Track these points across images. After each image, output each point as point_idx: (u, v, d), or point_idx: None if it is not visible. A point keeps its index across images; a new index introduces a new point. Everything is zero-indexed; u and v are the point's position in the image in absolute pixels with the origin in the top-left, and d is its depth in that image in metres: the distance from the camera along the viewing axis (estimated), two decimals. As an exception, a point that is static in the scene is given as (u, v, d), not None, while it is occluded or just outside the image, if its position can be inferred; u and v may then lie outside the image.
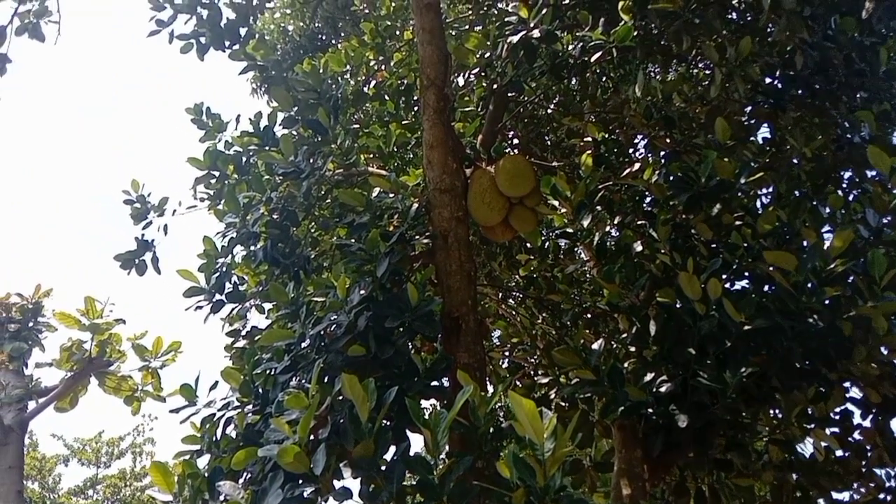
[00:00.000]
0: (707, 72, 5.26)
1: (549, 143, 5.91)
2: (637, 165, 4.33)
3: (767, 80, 4.67)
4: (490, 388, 3.91)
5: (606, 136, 4.83)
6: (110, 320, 8.26)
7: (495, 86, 4.58)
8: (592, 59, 3.91)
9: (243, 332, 5.55)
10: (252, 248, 4.62)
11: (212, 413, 3.82)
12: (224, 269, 4.81)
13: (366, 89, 5.81)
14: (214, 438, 3.69)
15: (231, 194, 4.73)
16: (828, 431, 4.36)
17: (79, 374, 8.24)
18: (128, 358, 8.51)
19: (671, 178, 4.07)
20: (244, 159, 5.20)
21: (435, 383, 3.50)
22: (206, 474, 3.27)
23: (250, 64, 5.71)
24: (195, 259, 4.81)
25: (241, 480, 3.29)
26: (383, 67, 5.81)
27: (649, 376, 3.86)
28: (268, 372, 3.71)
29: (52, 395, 8.28)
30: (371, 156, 5.47)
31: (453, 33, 5.46)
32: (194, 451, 3.76)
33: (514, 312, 6.09)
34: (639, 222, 4.32)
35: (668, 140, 4.49)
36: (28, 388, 8.19)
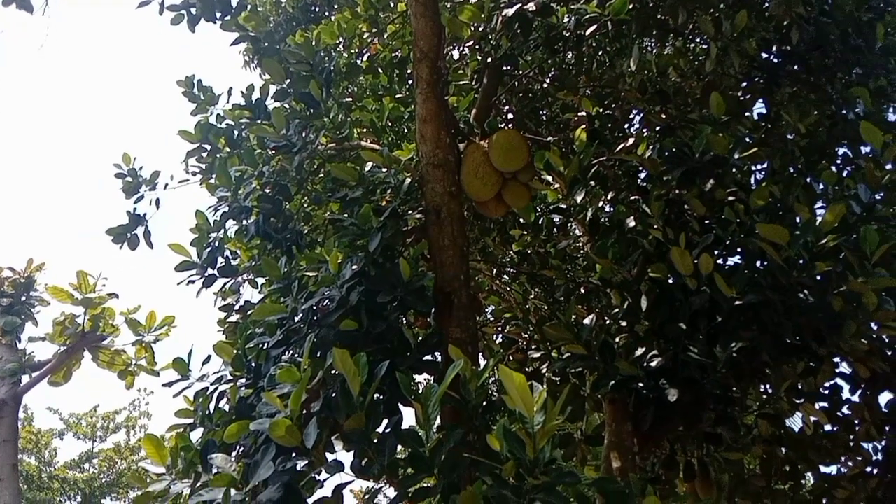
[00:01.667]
0: (703, 46, 5.22)
1: (543, 117, 5.87)
2: (631, 140, 4.31)
3: (763, 56, 4.64)
4: (482, 363, 3.93)
5: (601, 110, 4.80)
6: (103, 294, 8.24)
7: (490, 59, 4.54)
8: (587, 32, 3.87)
9: (236, 307, 5.56)
10: (244, 222, 4.60)
11: (205, 387, 3.83)
12: (216, 243, 4.79)
13: (359, 62, 5.75)
14: (207, 412, 3.71)
15: (223, 168, 4.70)
16: (817, 406, 4.41)
17: (72, 348, 8.23)
18: (121, 332, 8.51)
19: (665, 153, 4.06)
20: (236, 133, 5.16)
21: (427, 358, 3.51)
22: (199, 447, 3.29)
23: (242, 35, 5.66)
24: (187, 233, 4.79)
25: (233, 453, 3.31)
26: (376, 40, 5.75)
27: (640, 351, 3.88)
28: (260, 346, 3.72)
29: (46, 369, 8.28)
30: (364, 130, 5.43)
31: (448, 5, 5.39)
32: (187, 424, 3.77)
33: (507, 288, 6.09)
34: (632, 198, 4.31)
35: (662, 115, 4.47)
36: (21, 362, 8.19)
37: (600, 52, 5.44)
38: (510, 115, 5.81)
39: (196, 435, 3.64)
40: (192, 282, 4.73)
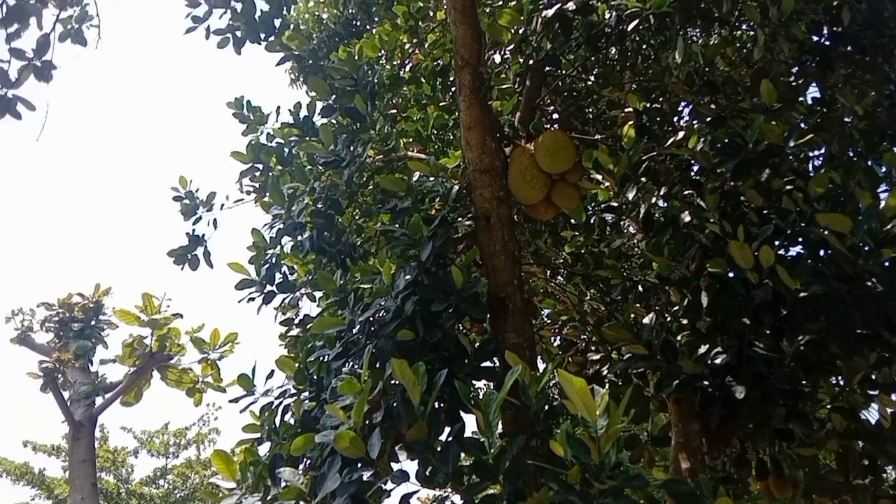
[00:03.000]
0: (750, 33, 5.09)
1: (589, 116, 5.81)
2: (681, 134, 4.23)
3: (814, 38, 4.50)
4: (541, 367, 3.90)
5: (648, 105, 4.72)
6: (168, 315, 8.51)
7: (531, 61, 4.52)
8: (629, 28, 3.82)
9: (296, 321, 5.65)
10: (299, 238, 4.69)
11: (270, 401, 3.91)
12: (273, 260, 4.89)
13: (401, 73, 5.80)
14: (274, 426, 3.78)
15: (275, 186, 4.80)
16: (893, 397, 4.24)
17: (141, 368, 8.52)
18: (187, 351, 8.78)
19: (717, 144, 3.97)
20: (286, 150, 5.26)
21: (485, 364, 3.50)
22: (267, 461, 3.35)
23: (287, 55, 5.78)
24: (244, 251, 4.90)
25: (301, 466, 3.36)
26: (418, 50, 5.79)
27: (703, 348, 3.80)
28: (321, 359, 3.77)
29: (118, 390, 8.59)
30: (410, 140, 5.47)
31: (487, 10, 5.40)
32: (255, 438, 3.85)
33: (562, 290, 6.04)
34: (686, 192, 4.22)
35: (712, 106, 4.37)
36: (94, 384, 8.51)
37: (644, 46, 5.36)
38: (555, 116, 5.77)
39: (264, 449, 3.72)
40: (253, 299, 4.84)
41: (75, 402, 8.51)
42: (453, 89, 5.36)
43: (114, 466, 16.28)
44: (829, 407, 4.38)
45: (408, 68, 5.86)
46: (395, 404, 3.12)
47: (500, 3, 5.51)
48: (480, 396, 2.73)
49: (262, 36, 5.71)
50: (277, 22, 5.72)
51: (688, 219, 4.08)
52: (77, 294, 9.43)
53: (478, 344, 3.58)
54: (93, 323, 9.15)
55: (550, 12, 3.93)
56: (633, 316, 4.23)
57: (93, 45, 5.55)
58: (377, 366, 3.33)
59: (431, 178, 4.18)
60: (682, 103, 5.16)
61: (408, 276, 3.55)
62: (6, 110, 5.01)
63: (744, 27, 5.22)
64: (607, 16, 3.93)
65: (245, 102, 5.60)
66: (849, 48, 4.42)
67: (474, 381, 3.51)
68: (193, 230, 5.48)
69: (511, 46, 4.86)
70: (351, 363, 3.64)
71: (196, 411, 17.76)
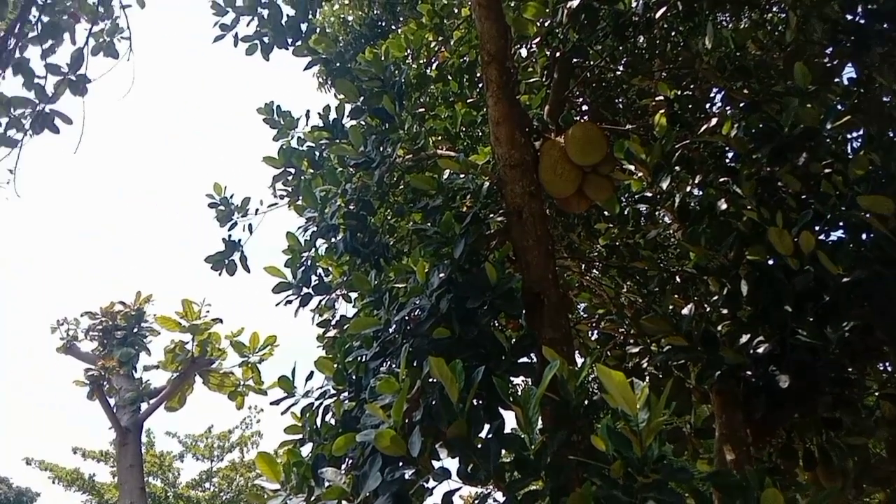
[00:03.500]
0: (781, 15, 4.98)
1: (619, 106, 5.75)
2: (714, 120, 4.15)
3: (848, 17, 4.38)
4: (579, 362, 3.88)
5: (679, 93, 4.65)
6: (208, 320, 8.65)
7: (558, 53, 4.48)
8: (657, 15, 3.76)
9: (333, 322, 5.70)
10: (333, 239, 4.73)
11: (310, 402, 3.94)
12: (309, 262, 4.95)
13: (428, 72, 5.80)
14: (315, 427, 3.81)
15: (307, 189, 4.84)
16: (944, 382, 4.12)
17: (184, 373, 8.68)
18: (228, 355, 8.91)
19: (752, 130, 3.89)
20: (317, 154, 5.31)
21: (522, 360, 3.49)
22: (310, 462, 3.39)
23: (314, 58, 5.83)
24: (279, 255, 4.96)
25: (343, 466, 3.39)
26: (443, 48, 5.79)
27: (745, 338, 3.73)
28: (359, 359, 3.80)
29: (162, 395, 8.75)
30: (439, 138, 5.47)
31: (512, 4, 5.37)
32: (297, 440, 3.89)
33: (598, 283, 5.99)
34: (721, 179, 4.15)
35: (745, 91, 4.29)
36: (139, 390, 8.69)
37: (673, 33, 5.28)
38: (585, 108, 5.73)
39: (306, 450, 3.76)
40: (290, 301, 4.90)
41: (121, 408, 8.71)
42: (480, 85, 5.34)
43: (161, 470, 16.61)
44: (877, 394, 4.27)
45: (434, 66, 5.86)
46: (433, 402, 3.12)
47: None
48: (519, 393, 2.73)
49: (290, 41, 5.78)
50: (304, 26, 5.78)
51: (724, 206, 4.01)
52: (119, 302, 9.64)
53: (514, 340, 3.57)
54: (135, 330, 9.35)
55: (575, 3, 3.90)
56: (671, 307, 4.18)
57: (124, 56, 5.67)
58: (414, 364, 3.34)
59: (462, 176, 4.18)
60: (714, 89, 5.08)
61: (441, 275, 3.55)
62: (44, 125, 5.15)
63: (774, 9, 5.11)
64: (634, 4, 3.89)
65: (275, 107, 5.66)
66: (885, 26, 4.29)
67: (512, 378, 3.50)
68: (230, 236, 5.56)
69: (537, 40, 4.83)
70: (389, 362, 3.65)
71: (238, 414, 18.03)
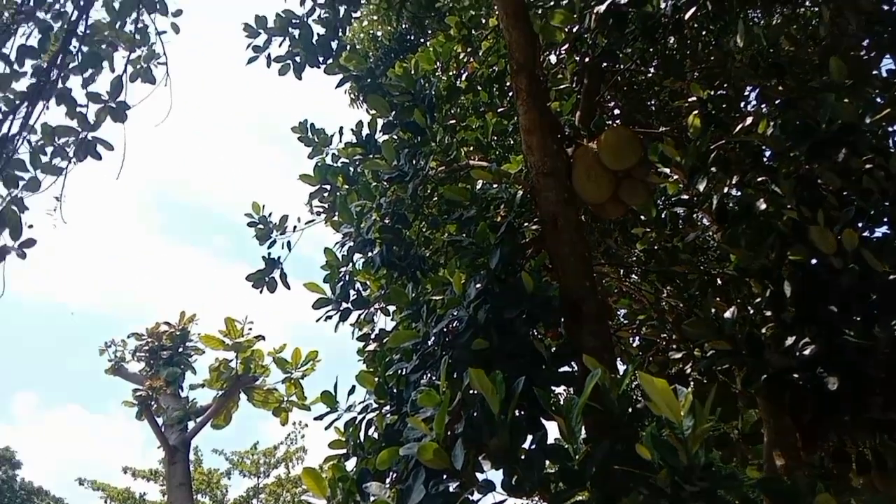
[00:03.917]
0: (814, 9, 4.88)
1: (652, 108, 5.69)
2: (750, 119, 4.08)
3: (884, 8, 4.27)
4: (622, 369, 3.84)
5: (712, 92, 4.59)
6: (251, 338, 8.78)
7: (587, 59, 4.46)
8: (687, 16, 3.72)
9: (372, 336, 5.74)
10: (370, 254, 4.77)
11: (353, 417, 3.97)
12: (347, 277, 4.99)
13: (458, 83, 5.83)
14: (358, 441, 3.84)
15: (343, 205, 4.90)
16: None
17: (229, 391, 8.82)
18: (271, 372, 9.02)
19: (788, 127, 3.81)
20: (351, 169, 5.37)
21: (563, 370, 3.47)
22: (355, 476, 3.41)
23: (345, 76, 5.91)
24: (313, 268, 5.02)
25: (387, 480, 3.40)
26: (472, 59, 5.81)
27: (790, 340, 3.64)
28: (399, 372, 3.82)
29: (208, 413, 8.89)
30: (471, 148, 5.49)
31: (539, 12, 5.37)
32: (341, 454, 3.92)
33: (637, 288, 5.93)
34: (759, 179, 4.07)
35: (780, 88, 4.21)
36: (186, 409, 8.84)
37: (703, 33, 5.22)
38: (617, 112, 5.69)
39: (351, 464, 3.78)
40: (330, 317, 4.95)
41: (169, 427, 8.87)
42: (511, 94, 5.35)
43: (209, 488, 16.85)
44: (933, 393, 4.13)
45: (464, 77, 5.88)
46: (475, 414, 3.12)
47: (552, 3, 5.48)
48: (560, 402, 2.71)
49: (321, 59, 5.87)
50: (334, 44, 5.86)
51: (763, 206, 3.93)
52: (164, 323, 9.85)
53: (554, 349, 3.55)
54: (180, 350, 9.54)
55: (602, 8, 3.88)
56: (713, 311, 4.10)
57: (161, 81, 5.82)
58: (455, 376, 3.34)
59: (495, 185, 4.18)
60: (748, 88, 4.99)
61: (478, 285, 3.56)
62: (87, 152, 5.30)
63: (807, 3, 5.02)
64: (663, 5, 3.85)
65: (309, 126, 5.75)
66: (924, 15, 4.18)
67: (553, 388, 3.48)
68: (269, 253, 5.65)
69: (566, 46, 4.82)
70: (429, 375, 3.66)
71: (283, 430, 18.21)
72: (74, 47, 5.23)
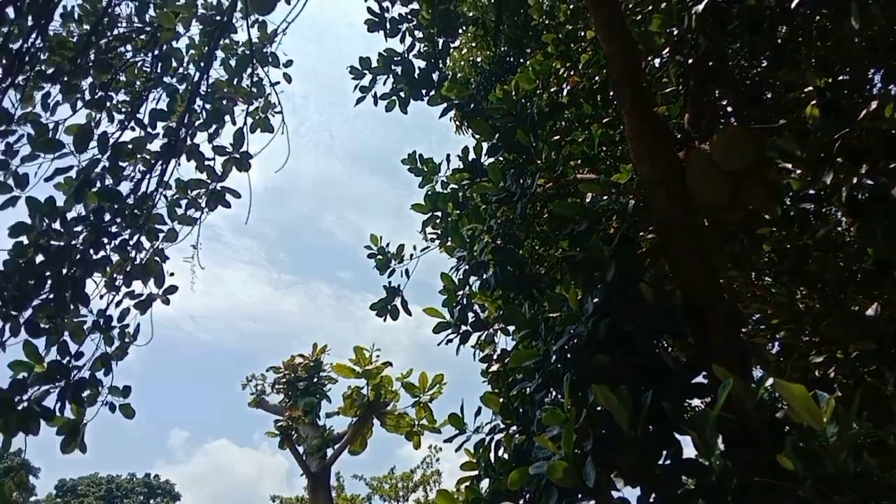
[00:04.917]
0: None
1: (768, 102, 5.43)
2: (875, 104, 3.82)
3: None
4: (757, 377, 3.66)
5: (830, 80, 4.33)
6: (379, 364, 9.05)
7: (691, 60, 4.34)
8: (793, 5, 3.56)
9: (494, 357, 5.77)
10: (484, 276, 4.82)
11: (482, 438, 4.01)
12: (465, 300, 5.06)
13: (559, 98, 5.82)
14: (489, 461, 3.87)
15: (455, 230, 4.99)
16: None
17: (362, 417, 9.11)
18: (400, 397, 9.24)
19: (920, 107, 3.54)
20: (461, 195, 5.47)
21: (695, 380, 3.35)
22: (488, 497, 3.43)
23: (448, 105, 6.05)
24: (433, 295, 5.12)
25: (521, 501, 3.40)
26: (573, 73, 5.78)
27: (946, 334, 3.36)
28: (523, 392, 3.82)
29: (345, 440, 9.21)
30: (578, 162, 5.45)
31: (638, 19, 5.28)
32: (474, 476, 3.95)
33: (769, 291, 5.62)
34: (892, 165, 3.80)
35: (907, 65, 3.92)
36: (324, 436, 9.21)
37: (817, 18, 4.94)
38: (730, 109, 5.47)
39: (485, 485, 3.81)
40: (451, 340, 5.03)
41: (309, 455, 9.27)
42: (615, 103, 5.28)
43: (352, 513, 17.37)
44: None
45: (566, 92, 5.86)
46: (603, 431, 3.07)
47: (650, 7, 5.37)
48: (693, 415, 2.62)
49: (424, 92, 6.05)
50: (435, 76, 6.03)
51: (899, 193, 3.66)
52: (299, 355, 10.34)
53: (683, 361, 3.44)
54: (315, 380, 9.97)
55: (701, 7, 3.77)
56: (854, 309, 3.84)
57: (279, 129, 6.18)
58: (579, 393, 3.30)
59: (604, 197, 4.13)
60: (871, 71, 4.67)
61: (595, 300, 3.51)
62: (217, 201, 5.71)
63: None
64: (766, -4, 3.70)
65: (418, 156, 5.92)
66: None
67: (686, 401, 3.36)
68: (389, 282, 5.84)
69: (668, 49, 4.71)
70: (553, 392, 3.64)
71: (419, 454, 18.52)
72: (199, 106, 5.67)
